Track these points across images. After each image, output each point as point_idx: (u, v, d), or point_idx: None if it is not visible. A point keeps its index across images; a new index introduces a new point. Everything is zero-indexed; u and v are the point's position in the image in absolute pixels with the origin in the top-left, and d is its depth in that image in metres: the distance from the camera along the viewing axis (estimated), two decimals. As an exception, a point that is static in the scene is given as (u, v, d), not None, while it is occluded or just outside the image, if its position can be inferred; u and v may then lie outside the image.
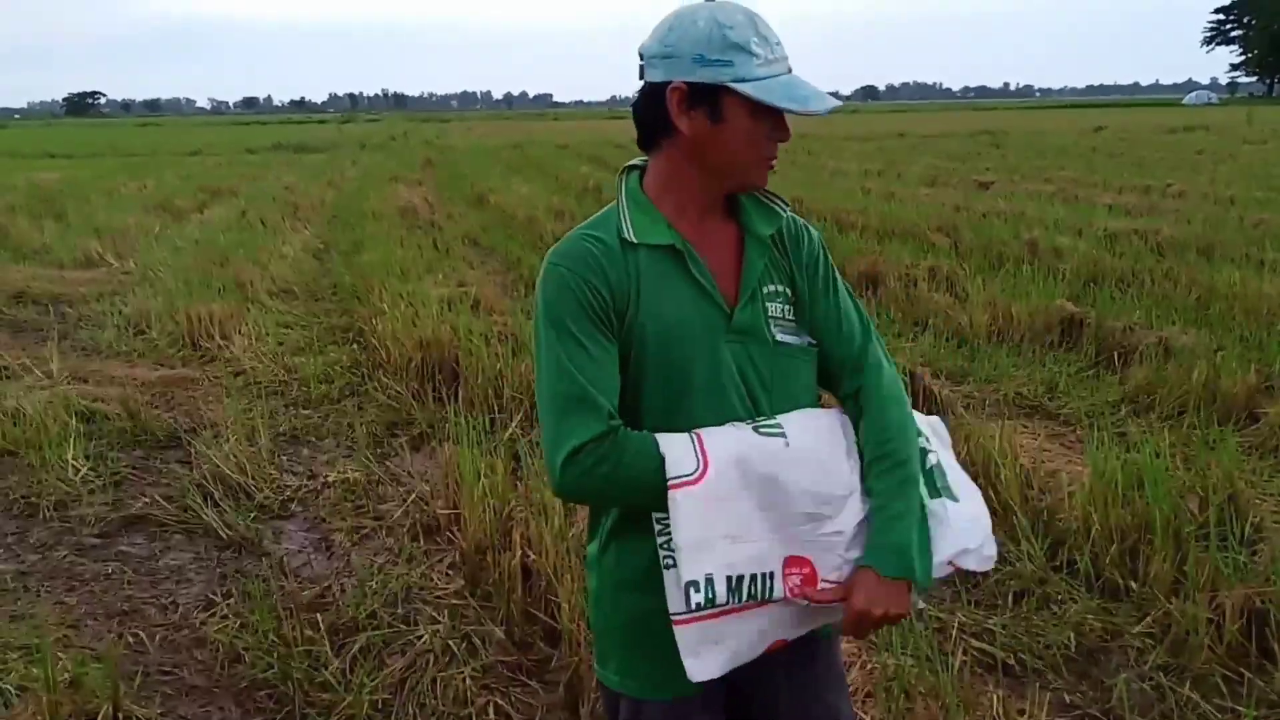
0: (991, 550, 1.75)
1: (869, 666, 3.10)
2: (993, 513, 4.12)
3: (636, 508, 1.69)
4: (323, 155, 33.96)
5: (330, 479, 5.02)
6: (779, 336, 1.75)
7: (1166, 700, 3.10)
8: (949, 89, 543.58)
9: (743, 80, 1.59)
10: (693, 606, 1.57)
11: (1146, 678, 3.22)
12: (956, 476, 1.84)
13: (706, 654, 1.61)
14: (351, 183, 21.34)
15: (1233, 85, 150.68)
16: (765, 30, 1.62)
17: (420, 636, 3.55)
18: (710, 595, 1.56)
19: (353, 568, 4.15)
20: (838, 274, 1.84)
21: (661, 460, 1.61)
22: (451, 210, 15.74)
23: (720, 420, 1.69)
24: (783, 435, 1.65)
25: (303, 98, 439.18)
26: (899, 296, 8.42)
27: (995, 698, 2.96)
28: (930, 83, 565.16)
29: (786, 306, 1.77)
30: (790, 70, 1.64)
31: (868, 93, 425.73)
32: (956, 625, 3.51)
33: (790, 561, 1.63)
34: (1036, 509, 4.21)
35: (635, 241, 1.68)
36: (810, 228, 1.84)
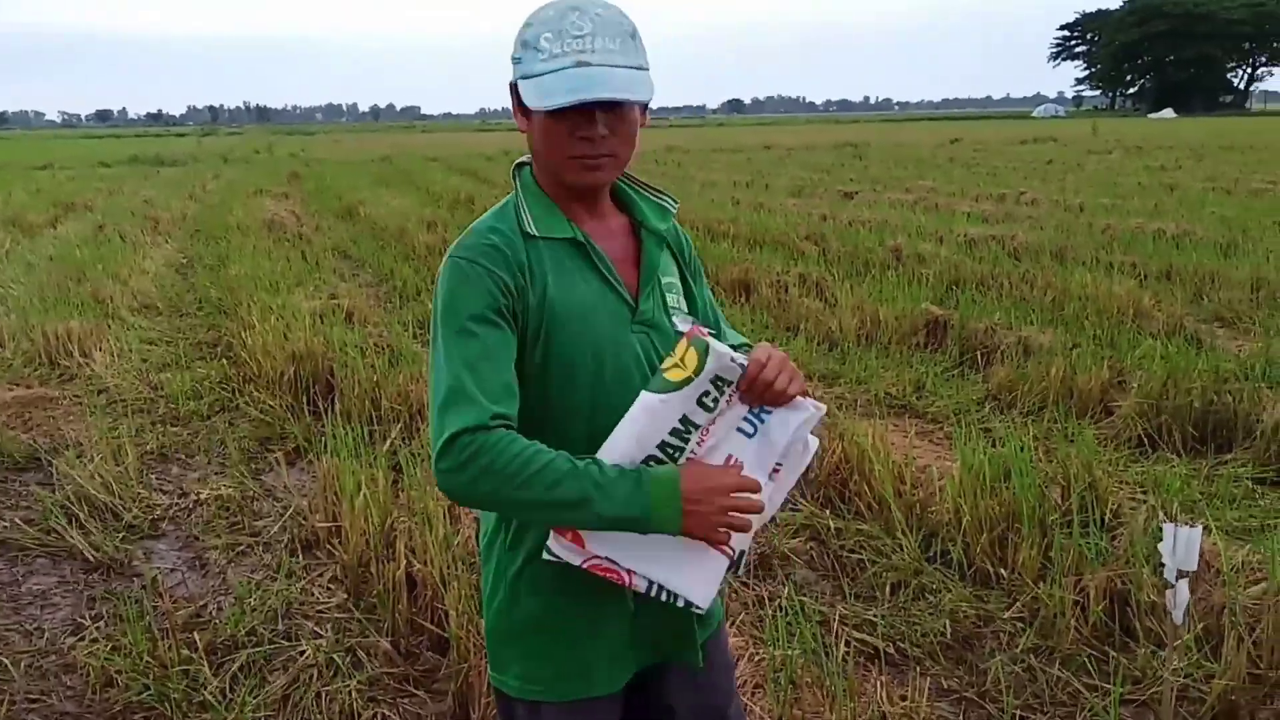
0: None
1: (756, 658, 3.16)
2: (868, 508, 4.29)
3: (511, 514, 1.67)
4: (183, 168, 32.94)
5: (202, 496, 4.88)
6: (678, 325, 1.73)
7: (1038, 680, 3.23)
8: (812, 102, 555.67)
9: (525, 77, 1.58)
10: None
11: (1018, 660, 3.36)
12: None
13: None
14: (214, 196, 20.76)
15: (1078, 99, 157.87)
16: (572, 23, 1.55)
17: (303, 652, 3.48)
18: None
19: (229, 585, 4.05)
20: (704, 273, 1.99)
21: (538, 474, 1.50)
22: (320, 223, 15.46)
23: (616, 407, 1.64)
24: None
25: (160, 110, 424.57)
26: (771, 302, 8.59)
27: (878, 685, 3.06)
28: (794, 96, 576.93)
29: (679, 297, 1.83)
30: (586, 63, 1.54)
31: (734, 106, 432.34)
32: (838, 618, 3.60)
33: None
34: (909, 503, 4.34)
35: (536, 234, 1.67)
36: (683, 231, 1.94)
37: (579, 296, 1.67)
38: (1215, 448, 5.15)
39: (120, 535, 4.49)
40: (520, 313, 1.63)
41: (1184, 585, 2.07)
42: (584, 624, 1.73)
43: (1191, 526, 2.00)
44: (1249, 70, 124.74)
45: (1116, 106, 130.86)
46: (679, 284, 1.84)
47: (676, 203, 1.84)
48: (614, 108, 1.58)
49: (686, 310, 1.84)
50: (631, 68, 1.57)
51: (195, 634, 3.54)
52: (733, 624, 3.42)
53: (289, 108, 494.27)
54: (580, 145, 1.60)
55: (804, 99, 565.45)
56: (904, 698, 2.99)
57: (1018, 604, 3.64)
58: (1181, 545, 2.02)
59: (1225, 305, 8.23)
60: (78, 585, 4.10)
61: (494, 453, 1.50)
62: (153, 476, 5.19)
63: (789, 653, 3.16)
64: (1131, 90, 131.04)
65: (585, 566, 1.61)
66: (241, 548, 4.39)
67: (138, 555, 4.34)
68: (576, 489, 1.50)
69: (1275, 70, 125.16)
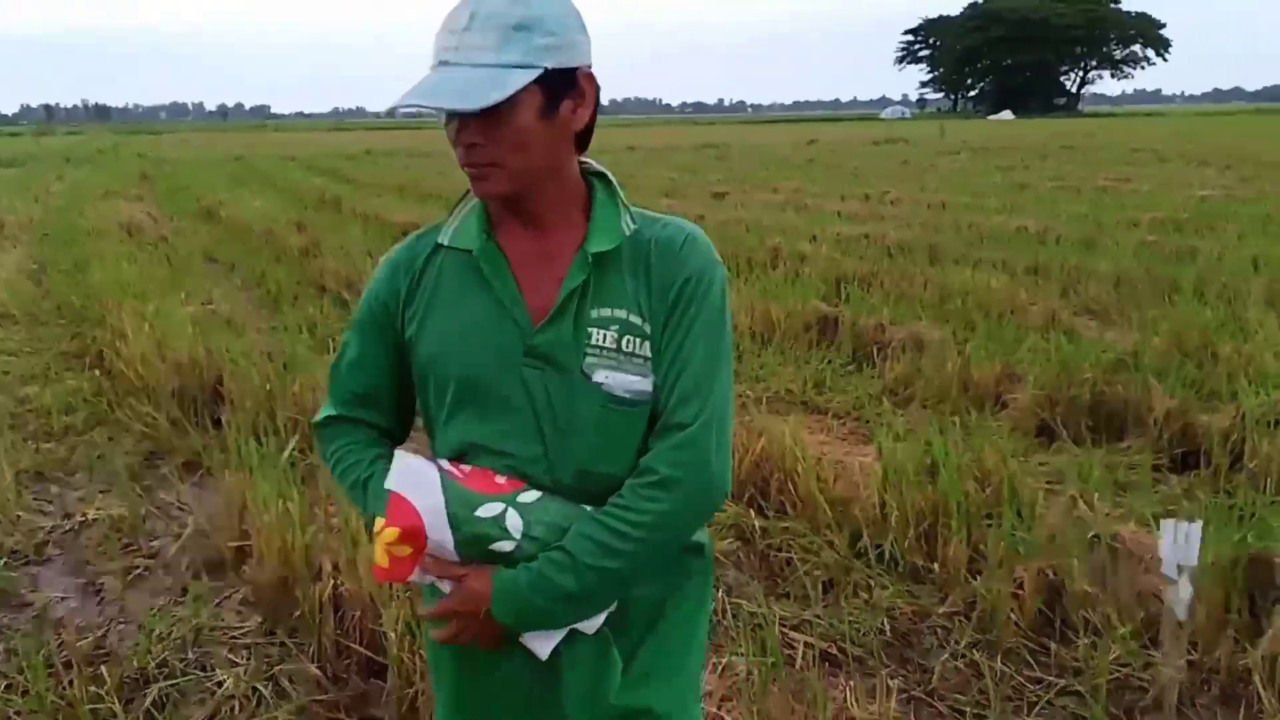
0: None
1: (719, 668, 3.10)
2: (793, 505, 4.27)
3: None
4: (22, 169, 31.10)
5: (89, 517, 4.57)
6: (597, 375, 1.49)
7: (984, 677, 3.25)
8: (668, 104, 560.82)
9: None
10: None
11: (960, 656, 3.38)
12: None
13: None
14: (60, 198, 19.67)
15: (921, 101, 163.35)
16: (454, 16, 1.42)
17: (221, 682, 3.28)
18: None
19: (129, 613, 3.79)
20: (707, 322, 1.51)
21: (340, 476, 1.66)
22: (180, 225, 14.81)
23: (512, 451, 1.52)
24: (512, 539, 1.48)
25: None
26: (662, 303, 8.54)
27: (846, 689, 3.03)
28: (650, 98, 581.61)
29: (631, 338, 1.50)
30: (445, 62, 1.41)
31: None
32: (776, 619, 3.56)
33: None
34: (831, 499, 4.34)
35: (446, 244, 1.58)
36: (700, 256, 1.53)
37: (461, 315, 1.54)
38: (1108, 437, 5.32)
39: (2, 562, 4.17)
40: (403, 328, 1.60)
41: (1185, 580, 2.09)
42: (469, 668, 1.64)
43: (1191, 521, 2.03)
44: (1080, 74, 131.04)
45: (958, 108, 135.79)
46: (638, 324, 1.50)
47: (635, 224, 1.55)
48: (486, 111, 1.38)
49: (644, 358, 1.51)
50: (500, 66, 1.38)
51: (104, 669, 3.30)
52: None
53: (130, 106, 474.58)
54: (461, 153, 1.45)
55: (660, 100, 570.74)
56: (872, 699, 2.97)
57: (951, 598, 3.67)
58: (1182, 540, 2.04)
59: (1093, 299, 8.54)
60: (-38, 619, 3.78)
61: (322, 448, 1.70)
62: (30, 497, 4.85)
63: (738, 656, 3.11)
64: (973, 93, 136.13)
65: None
66: (139, 571, 4.13)
67: (24, 583, 4.04)
68: (353, 493, 1.65)
69: (1104, 74, 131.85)
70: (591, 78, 1.48)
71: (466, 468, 1.53)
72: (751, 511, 4.38)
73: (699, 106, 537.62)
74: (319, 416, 1.71)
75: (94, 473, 5.15)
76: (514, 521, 1.47)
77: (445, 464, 1.54)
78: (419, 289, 1.58)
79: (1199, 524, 2.07)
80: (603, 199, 1.57)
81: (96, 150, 42.80)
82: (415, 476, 1.50)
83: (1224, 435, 4.82)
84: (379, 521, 1.49)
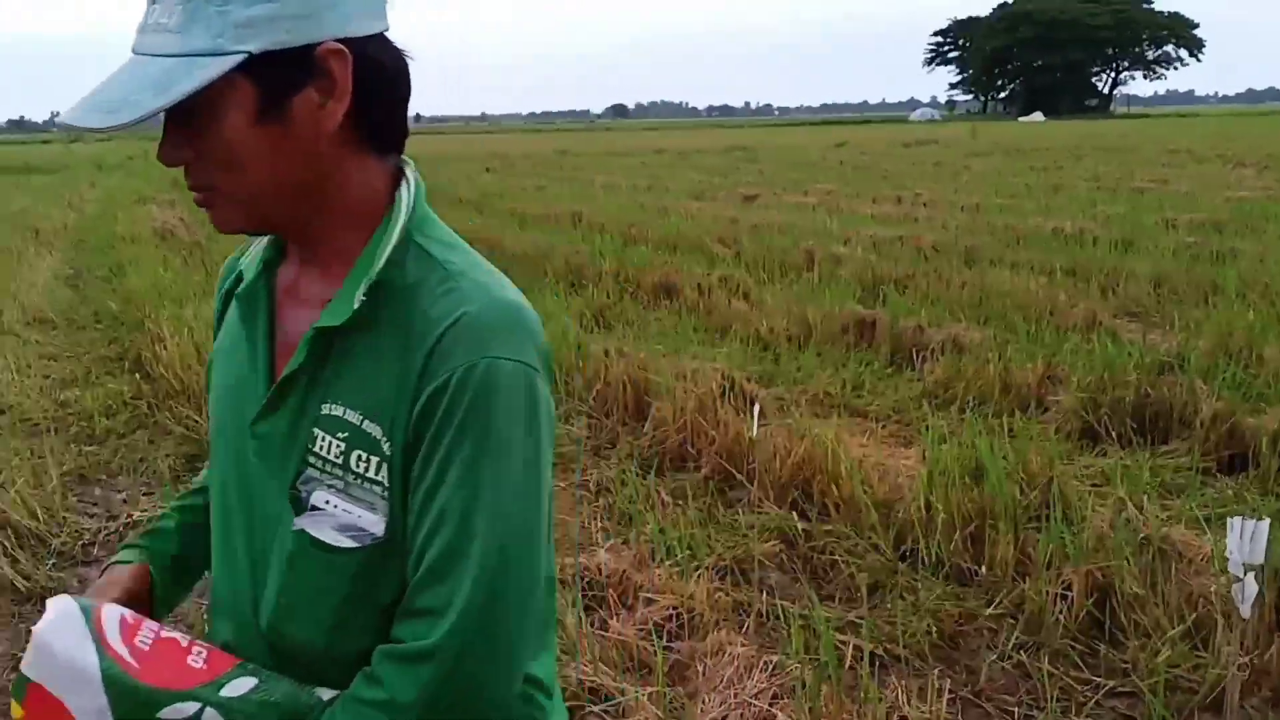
0: None
1: (770, 668, 3.08)
2: (835, 508, 4.24)
3: None
4: (55, 176, 31.50)
5: (135, 518, 4.61)
6: (315, 496, 1.05)
7: (1032, 679, 3.22)
8: (694, 108, 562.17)
9: None
10: None
11: (1007, 657, 3.35)
12: None
13: None
14: (95, 205, 19.93)
15: (950, 103, 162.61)
16: None
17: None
18: None
19: (179, 613, 3.81)
20: (476, 454, 0.98)
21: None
22: (213, 231, 14.88)
23: (230, 582, 1.16)
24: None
25: (22, 116, 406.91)
26: (697, 305, 8.55)
27: (899, 689, 3.01)
28: (677, 101, 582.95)
29: (362, 456, 1.03)
30: (136, 50, 1.01)
31: (618, 111, 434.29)
32: (822, 621, 3.54)
33: None
34: (874, 501, 4.32)
35: (240, 268, 1.22)
36: (475, 347, 0.99)
37: (227, 374, 1.18)
38: (1154, 439, 5.26)
39: (50, 563, 4.21)
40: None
41: (1251, 578, 2.07)
42: None
43: (1259, 519, 2.01)
44: (1112, 75, 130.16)
45: (988, 110, 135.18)
46: (372, 438, 1.03)
47: (366, 292, 1.03)
48: (185, 116, 1.00)
49: (382, 487, 1.03)
50: (182, 55, 0.96)
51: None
52: (741, 630, 3.34)
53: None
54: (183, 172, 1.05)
55: (687, 104, 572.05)
56: (923, 700, 2.95)
57: (999, 601, 3.64)
58: (1248, 538, 2.02)
59: (1133, 301, 8.48)
60: (12, 618, 3.81)
61: None
62: (76, 499, 4.89)
63: (789, 657, 3.09)
64: (1002, 95, 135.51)
65: None
66: (185, 572, 4.15)
67: (72, 584, 4.07)
68: None
69: (1136, 74, 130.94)
70: (343, 54, 1.00)
71: (148, 640, 1.05)
72: (794, 514, 4.36)
73: (725, 110, 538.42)
74: None
75: (137, 475, 5.20)
76: None
77: (115, 637, 1.03)
78: (224, 317, 1.24)
79: (1266, 522, 2.04)
80: (376, 238, 1.08)
81: (127, 157, 43.18)
82: (62, 664, 1.01)
83: (1274, 438, 4.76)
84: (15, 706, 1.03)
